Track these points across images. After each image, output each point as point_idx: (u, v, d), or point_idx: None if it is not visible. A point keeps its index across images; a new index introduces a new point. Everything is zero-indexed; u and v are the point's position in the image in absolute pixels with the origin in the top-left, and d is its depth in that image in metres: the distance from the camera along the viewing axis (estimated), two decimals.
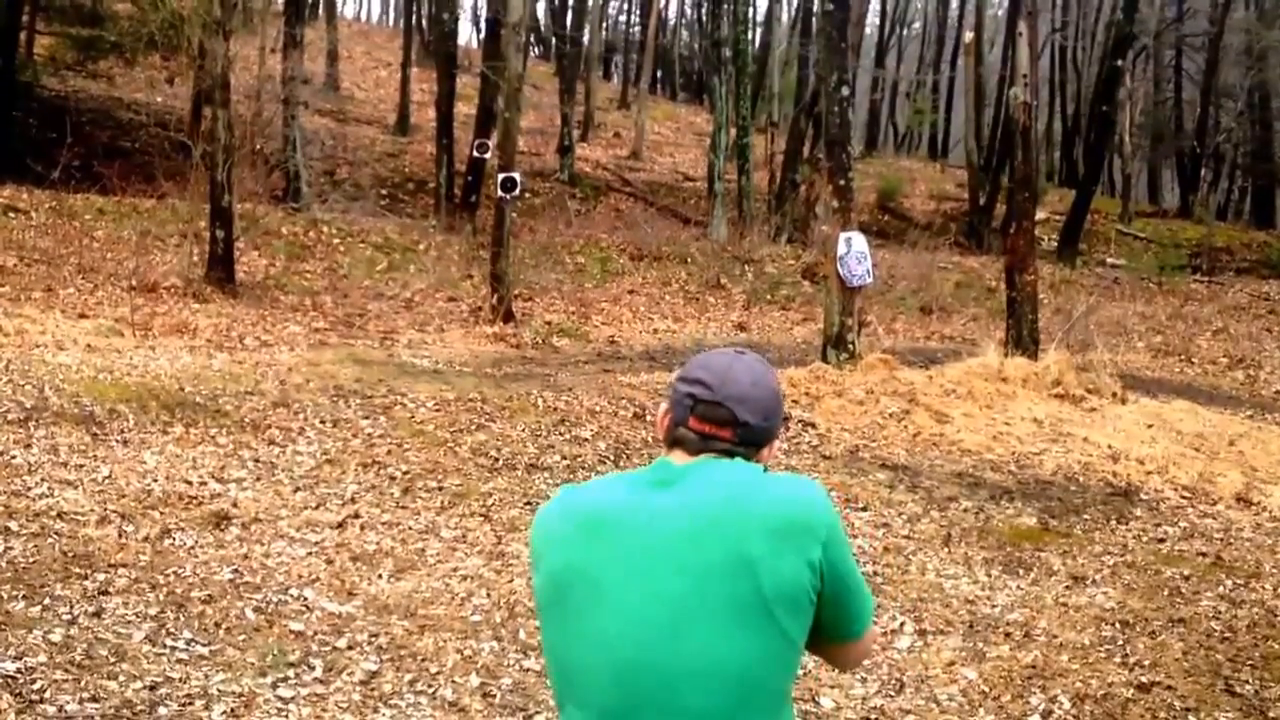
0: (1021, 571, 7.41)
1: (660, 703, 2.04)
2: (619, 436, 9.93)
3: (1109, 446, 10.73)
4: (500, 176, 16.37)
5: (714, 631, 2.03)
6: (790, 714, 2.16)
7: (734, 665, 2.03)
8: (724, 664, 2.03)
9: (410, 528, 7.47)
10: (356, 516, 7.57)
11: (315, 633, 5.75)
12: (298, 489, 7.99)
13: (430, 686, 5.34)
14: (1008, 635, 6.31)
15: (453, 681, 5.40)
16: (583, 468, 9.01)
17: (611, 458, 9.36)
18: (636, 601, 2.07)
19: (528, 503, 8.07)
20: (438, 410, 10.14)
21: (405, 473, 8.51)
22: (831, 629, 2.17)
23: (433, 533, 7.43)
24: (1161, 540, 8.33)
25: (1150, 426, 11.70)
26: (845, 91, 14.12)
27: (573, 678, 2.15)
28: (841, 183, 13.71)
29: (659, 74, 54.86)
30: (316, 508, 7.66)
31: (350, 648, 5.64)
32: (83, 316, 13.21)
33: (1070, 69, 46.97)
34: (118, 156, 22.04)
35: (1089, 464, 10.20)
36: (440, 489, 8.24)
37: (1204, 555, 8.02)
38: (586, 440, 9.72)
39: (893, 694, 5.58)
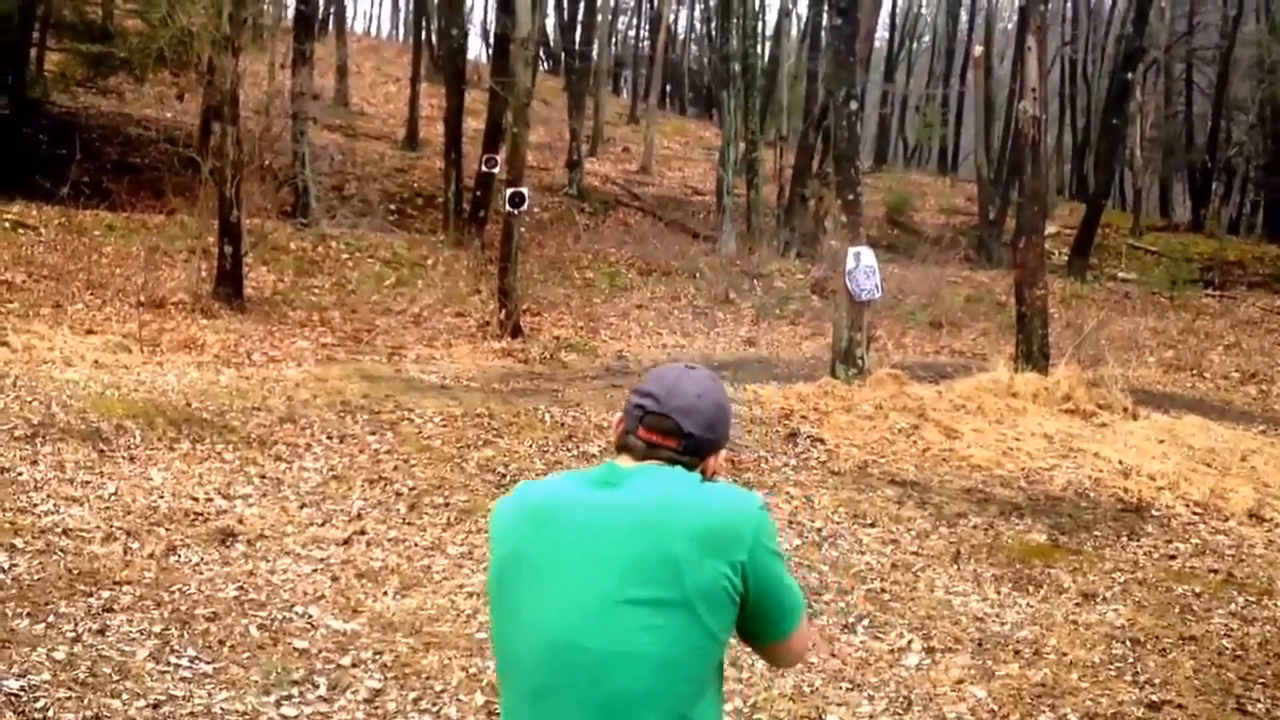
0: (1031, 588, 7.38)
1: (586, 682, 2.19)
2: None
3: (1120, 462, 10.69)
4: (508, 192, 16.37)
5: (638, 620, 2.18)
6: (715, 699, 2.31)
7: (655, 650, 2.17)
8: (646, 649, 2.17)
9: (416, 544, 7.46)
10: (362, 533, 7.56)
11: (320, 650, 5.74)
12: (304, 505, 7.98)
13: (435, 705, 5.32)
14: (1017, 653, 6.28)
15: (457, 700, 5.38)
16: None
17: None
18: (570, 589, 2.23)
19: None
20: (444, 426, 10.13)
21: (411, 489, 8.51)
22: (756, 629, 2.34)
23: (439, 549, 7.42)
24: (1173, 557, 8.29)
25: (1161, 442, 11.65)
26: (854, 106, 14.12)
27: (510, 658, 2.32)
28: (850, 197, 13.70)
29: (668, 88, 54.91)
30: (322, 524, 7.65)
31: (355, 665, 5.63)
32: (90, 332, 13.22)
33: (1080, 82, 46.89)
34: (127, 172, 22.07)
35: (1100, 480, 10.16)
36: (446, 505, 8.23)
37: (1215, 572, 7.99)
38: (594, 456, 9.70)
39: (900, 712, 5.55)
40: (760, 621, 2.33)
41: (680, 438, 2.36)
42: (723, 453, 2.46)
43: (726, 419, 2.46)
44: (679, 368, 2.48)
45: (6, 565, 6.32)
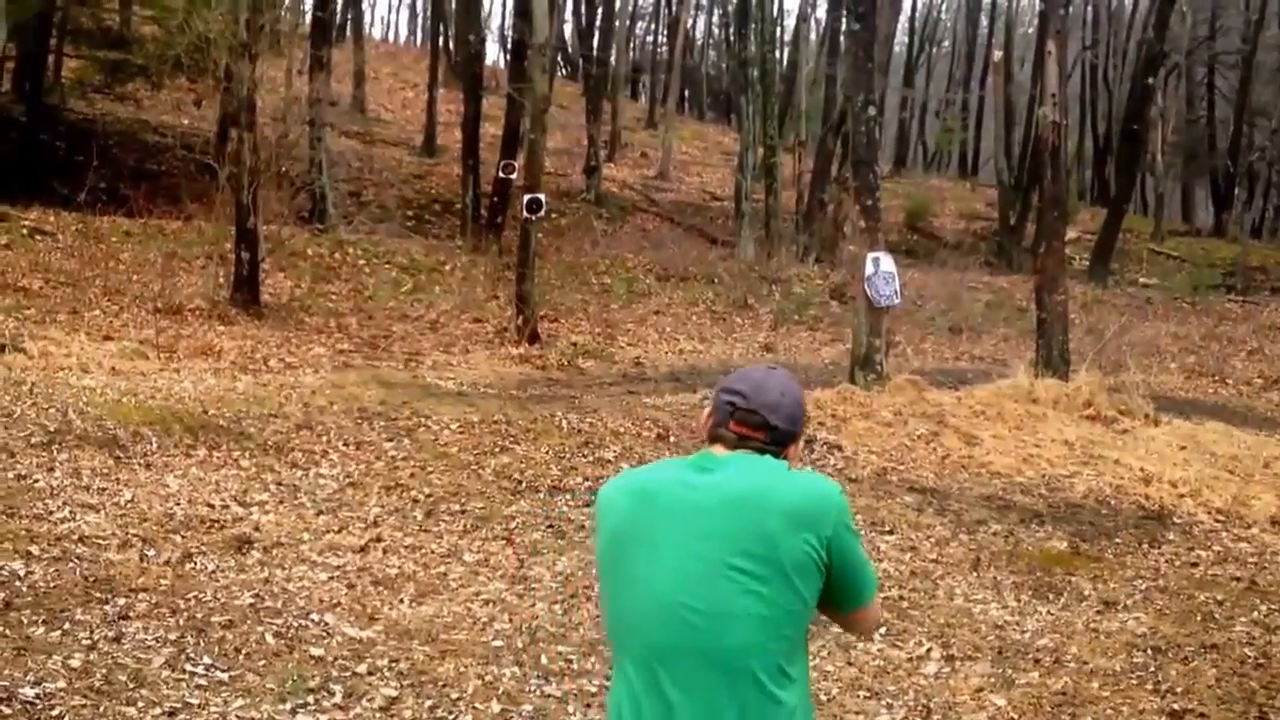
0: (1052, 596, 7.34)
1: (699, 638, 2.53)
2: (643, 458, 9.88)
3: (1141, 469, 10.64)
4: (526, 198, 16.40)
5: (741, 586, 2.52)
6: (804, 655, 2.66)
7: (757, 611, 2.51)
8: (749, 610, 2.51)
9: (433, 551, 7.46)
10: (379, 540, 7.56)
11: (335, 658, 5.74)
12: (320, 512, 7.99)
13: (451, 713, 5.32)
14: (1037, 661, 6.25)
15: (474, 708, 5.37)
16: None
17: None
18: (680, 558, 2.57)
19: (550, 526, 8.05)
20: (461, 433, 10.14)
21: (428, 496, 8.51)
22: (839, 598, 2.66)
23: (455, 556, 7.42)
24: (1194, 564, 8.25)
25: (1183, 449, 11.60)
26: (872, 111, 14.10)
27: (625, 622, 2.66)
28: (869, 202, 13.69)
29: (686, 94, 54.95)
30: (339, 531, 7.66)
31: (371, 673, 5.62)
32: (107, 339, 13.27)
33: (1101, 87, 46.79)
34: (144, 179, 22.18)
35: (1121, 487, 10.12)
36: (463, 512, 8.23)
37: (1238, 580, 7.94)
38: (610, 462, 9.69)
39: None
40: (842, 591, 2.65)
41: (767, 430, 2.70)
42: (801, 442, 2.80)
43: (803, 413, 2.81)
44: (763, 369, 2.84)
45: (23, 572, 6.34)
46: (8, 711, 4.91)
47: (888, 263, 13.70)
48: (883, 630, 6.58)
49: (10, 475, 7.89)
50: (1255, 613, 7.23)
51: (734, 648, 2.51)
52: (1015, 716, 5.58)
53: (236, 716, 5.06)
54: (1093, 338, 18.28)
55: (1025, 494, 9.80)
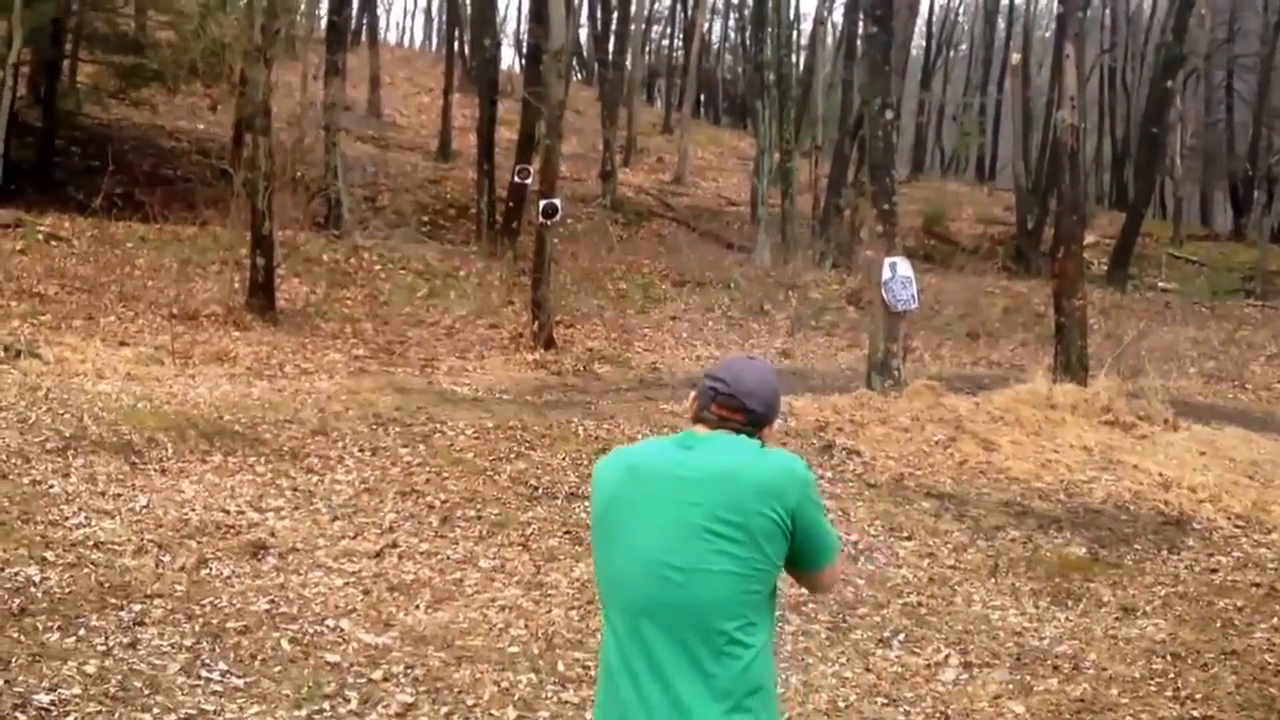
0: (1070, 603, 7.33)
1: (677, 591, 2.87)
2: None
3: (1160, 474, 10.61)
4: (542, 203, 16.41)
5: (715, 547, 2.86)
6: (769, 613, 2.99)
7: (728, 568, 2.86)
8: (722, 567, 2.86)
9: (448, 557, 7.47)
10: (394, 546, 7.58)
11: (351, 664, 5.75)
12: (336, 518, 8.01)
13: (467, 719, 5.33)
14: (1056, 668, 6.24)
15: (489, 714, 5.39)
16: None
17: None
18: (663, 522, 2.91)
19: (567, 532, 8.06)
20: (477, 438, 10.15)
21: (444, 501, 8.52)
22: (801, 560, 3.00)
23: (471, 563, 7.43)
24: (1214, 570, 8.22)
25: (1203, 454, 11.56)
26: (890, 115, 14.10)
27: (613, 578, 3.01)
28: (885, 207, 13.68)
29: (702, 98, 54.89)
30: (354, 537, 7.68)
31: (386, 679, 5.64)
32: (123, 344, 13.31)
33: (1120, 90, 46.65)
34: (159, 184, 22.27)
35: (1140, 492, 10.08)
36: (479, 518, 8.24)
37: (1258, 586, 7.91)
38: None
39: None
40: (804, 554, 2.98)
41: (745, 413, 3.03)
42: (776, 424, 3.13)
43: (779, 399, 3.15)
44: (744, 358, 3.22)
45: (38, 578, 6.37)
46: (23, 718, 4.93)
47: (905, 267, 13.66)
48: (900, 636, 6.58)
49: (25, 481, 7.93)
50: (1275, 619, 7.20)
51: (707, 600, 2.85)
52: None
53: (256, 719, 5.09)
54: (1111, 343, 18.24)
55: (1044, 500, 9.77)
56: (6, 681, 5.16)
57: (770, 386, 3.11)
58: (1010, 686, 5.96)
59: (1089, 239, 24.56)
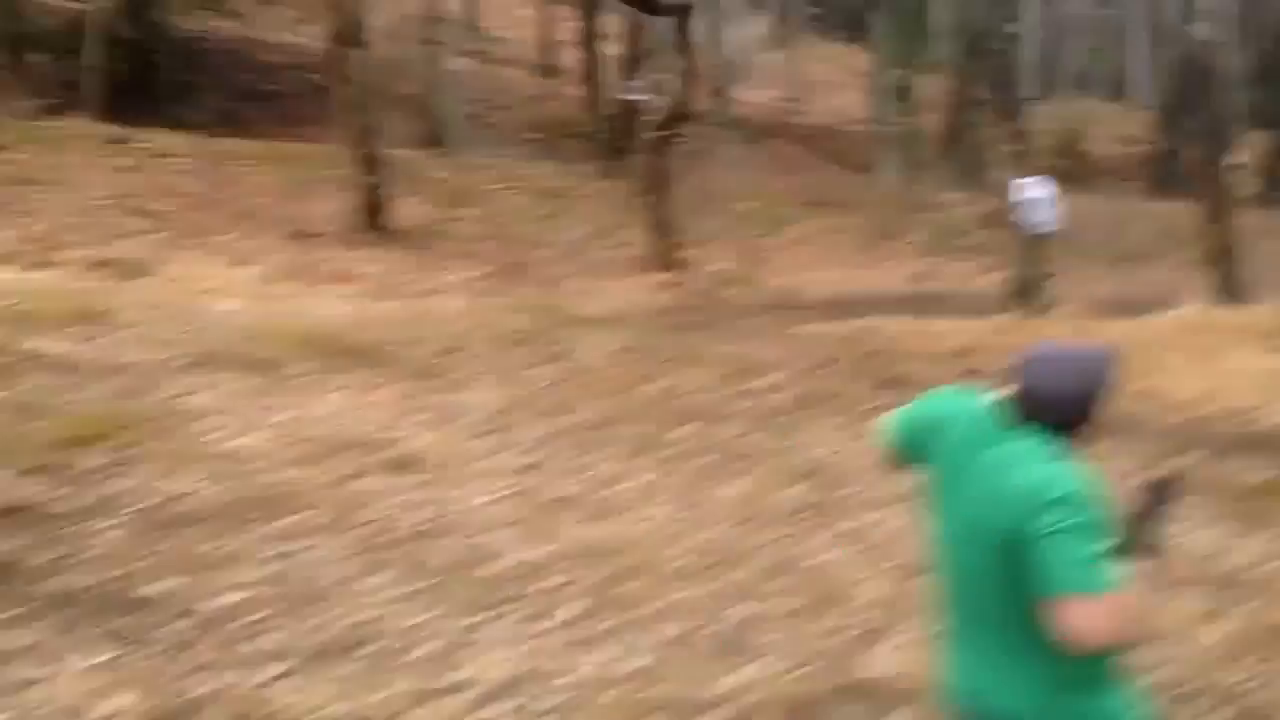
0: (1259, 528, 7.25)
1: (964, 585, 3.06)
2: (805, 387, 9.91)
3: None
4: (663, 118, 16.38)
5: (989, 544, 2.93)
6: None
7: (999, 573, 2.92)
8: (992, 570, 2.93)
9: (596, 476, 7.56)
10: (539, 465, 7.68)
11: (514, 576, 5.87)
12: (476, 436, 8.12)
13: (630, 632, 5.42)
14: (1252, 593, 6.20)
15: (654, 628, 5.47)
16: (770, 417, 9.02)
17: (798, 408, 9.34)
18: (951, 514, 3.10)
19: (717, 453, 8.10)
20: (610, 360, 10.22)
21: (584, 422, 8.60)
22: (1037, 581, 2.85)
23: (619, 481, 7.50)
24: None
25: None
26: (1015, 29, 13.91)
27: (934, 538, 3.19)
28: (1015, 126, 13.50)
29: (817, 12, 54.18)
30: (498, 454, 7.79)
31: (548, 592, 5.74)
32: (241, 263, 13.56)
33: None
34: (259, 100, 22.52)
35: None
36: (622, 438, 8.31)
37: None
38: (766, 391, 9.71)
39: None
40: (1039, 575, 2.83)
41: (1052, 415, 2.95)
42: (1091, 423, 3.01)
43: (1097, 398, 3.00)
44: (1060, 349, 3.10)
45: (185, 491, 6.53)
46: (185, 623, 5.11)
47: (1043, 188, 13.51)
48: None
49: (161, 397, 8.11)
50: None
51: (984, 603, 2.99)
52: (1233, 648, 5.55)
53: (421, 630, 5.22)
54: (1272, 267, 17.86)
55: (1213, 425, 9.64)
56: (169, 590, 5.35)
57: (1083, 387, 3.01)
58: (1204, 612, 5.94)
59: (1239, 160, 23.99)
